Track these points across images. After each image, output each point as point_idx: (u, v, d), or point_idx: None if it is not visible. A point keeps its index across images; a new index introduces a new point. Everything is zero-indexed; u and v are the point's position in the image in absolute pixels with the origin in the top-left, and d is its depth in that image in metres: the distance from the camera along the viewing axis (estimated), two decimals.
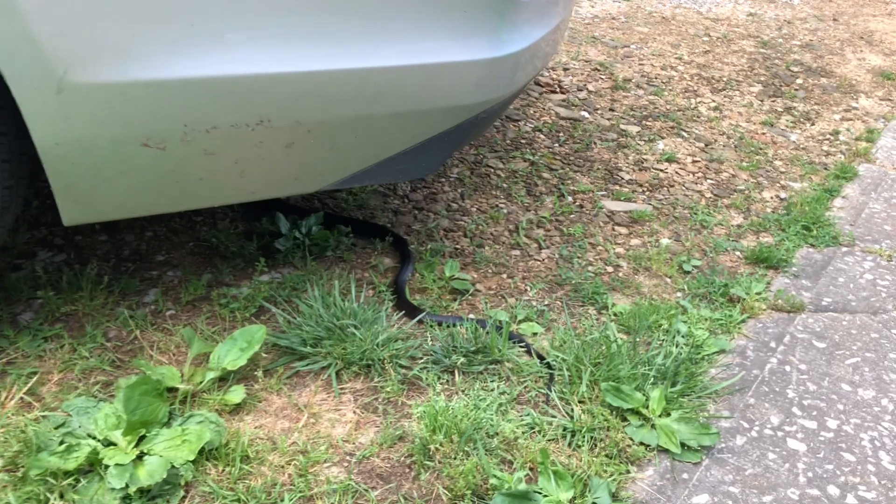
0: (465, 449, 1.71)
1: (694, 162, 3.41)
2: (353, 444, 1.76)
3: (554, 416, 1.85)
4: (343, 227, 2.52)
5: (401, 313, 2.17)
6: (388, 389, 1.90)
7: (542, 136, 3.45)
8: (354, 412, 1.85)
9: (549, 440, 1.79)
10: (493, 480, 1.62)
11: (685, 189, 3.17)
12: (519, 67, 1.88)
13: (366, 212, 2.71)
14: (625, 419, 1.86)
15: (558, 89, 3.99)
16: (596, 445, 1.78)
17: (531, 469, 1.71)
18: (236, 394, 1.81)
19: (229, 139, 1.64)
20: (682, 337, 2.20)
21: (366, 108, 1.71)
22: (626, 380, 1.93)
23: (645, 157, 3.40)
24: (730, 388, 2.04)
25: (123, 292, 2.16)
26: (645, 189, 3.12)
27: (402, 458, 1.73)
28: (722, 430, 1.90)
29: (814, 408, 2.01)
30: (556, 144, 3.40)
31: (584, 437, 1.79)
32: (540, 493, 1.61)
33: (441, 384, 1.95)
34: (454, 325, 2.14)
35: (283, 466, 1.66)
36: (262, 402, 1.84)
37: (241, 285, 2.24)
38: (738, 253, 2.75)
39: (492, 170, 3.11)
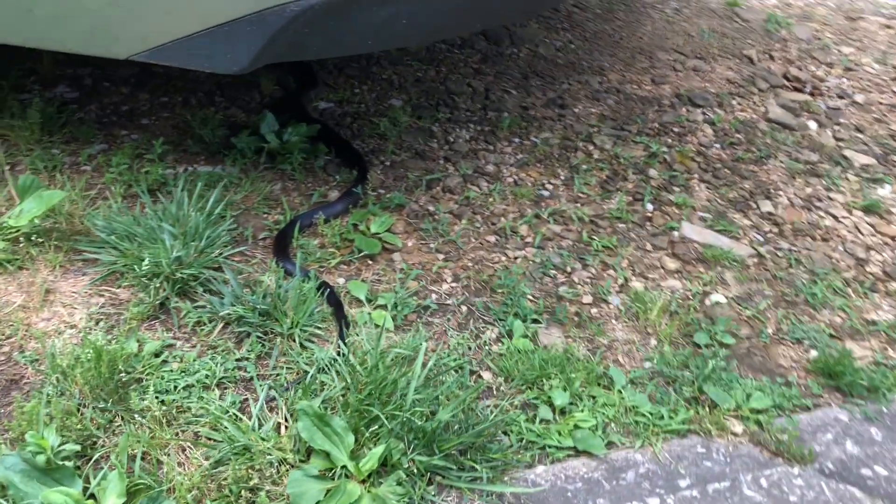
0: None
1: None
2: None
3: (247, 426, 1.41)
4: (323, 147, 2.21)
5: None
6: (134, 310, 1.63)
7: (707, 131, 2.62)
8: (84, 318, 1.62)
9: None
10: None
11: (838, 251, 2.16)
12: None
13: (401, 142, 2.33)
14: (329, 456, 1.34)
15: (809, 89, 2.98)
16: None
17: None
18: None
19: None
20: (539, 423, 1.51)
21: None
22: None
23: (833, 196, 2.39)
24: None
25: (73, 136, 2.16)
26: (778, 231, 2.20)
27: None
28: None
29: None
30: (717, 145, 2.55)
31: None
32: None
33: (200, 328, 1.61)
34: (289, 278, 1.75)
35: None
36: (27, 271, 1.71)
37: (175, 167, 2.10)
38: (811, 353, 1.81)
39: (590, 147, 2.45)
